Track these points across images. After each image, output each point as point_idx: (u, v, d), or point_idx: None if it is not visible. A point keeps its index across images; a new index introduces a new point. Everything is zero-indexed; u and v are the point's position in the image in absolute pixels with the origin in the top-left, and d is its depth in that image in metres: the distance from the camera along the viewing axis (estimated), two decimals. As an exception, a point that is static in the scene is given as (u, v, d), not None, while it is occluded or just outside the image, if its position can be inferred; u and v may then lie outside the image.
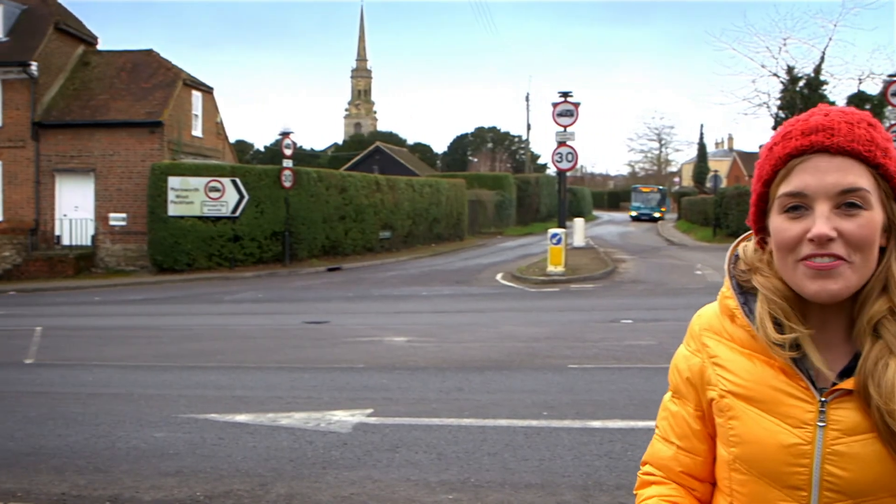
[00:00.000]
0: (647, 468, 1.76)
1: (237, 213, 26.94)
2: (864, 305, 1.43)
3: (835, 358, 1.47)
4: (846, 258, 1.38)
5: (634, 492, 1.77)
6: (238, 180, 27.03)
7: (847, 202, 1.38)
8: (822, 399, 1.44)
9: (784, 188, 1.43)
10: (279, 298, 19.69)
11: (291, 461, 6.48)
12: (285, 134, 28.96)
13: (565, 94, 24.02)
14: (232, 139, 41.86)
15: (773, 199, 1.47)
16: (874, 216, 1.39)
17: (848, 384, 1.42)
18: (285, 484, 5.96)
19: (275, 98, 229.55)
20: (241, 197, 26.91)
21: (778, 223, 1.45)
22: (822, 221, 1.38)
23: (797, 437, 1.45)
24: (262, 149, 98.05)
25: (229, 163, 33.35)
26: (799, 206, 1.41)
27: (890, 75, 23.78)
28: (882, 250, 1.44)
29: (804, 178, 1.40)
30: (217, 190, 26.63)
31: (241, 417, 7.80)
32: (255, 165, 35.05)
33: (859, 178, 1.39)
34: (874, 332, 1.42)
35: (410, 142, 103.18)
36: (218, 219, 26.87)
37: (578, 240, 36.65)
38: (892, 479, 1.40)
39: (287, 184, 27.59)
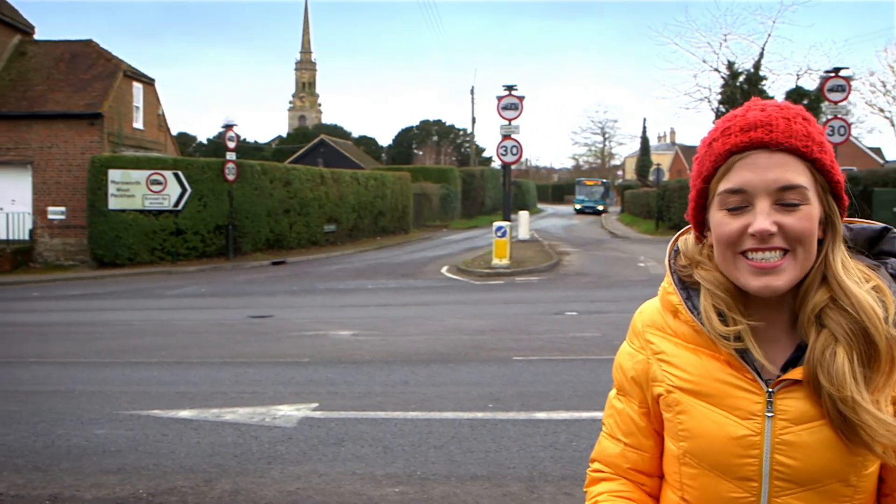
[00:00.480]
0: (595, 465, 1.78)
1: (180, 207, 26.59)
2: (805, 297, 1.46)
3: (779, 349, 1.50)
4: (787, 248, 1.41)
5: (585, 489, 1.79)
6: (180, 173, 26.68)
7: (786, 197, 1.41)
8: (770, 390, 1.47)
9: (725, 185, 1.45)
10: (223, 293, 19.49)
11: (236, 457, 6.43)
12: (228, 126, 28.64)
13: (510, 88, 24.10)
14: (174, 131, 41.27)
15: (714, 194, 1.48)
16: (812, 210, 1.42)
17: (794, 374, 1.45)
18: (230, 480, 5.92)
19: (218, 90, 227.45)
20: (184, 190, 26.58)
21: (718, 218, 1.47)
22: (762, 217, 1.40)
23: (746, 428, 1.48)
24: (204, 141, 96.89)
25: (171, 155, 32.89)
26: (740, 200, 1.43)
27: (826, 71, 24.29)
28: (820, 242, 1.46)
29: (745, 174, 1.42)
30: (159, 183, 26.26)
31: (184, 413, 7.71)
32: (197, 158, 34.67)
33: (798, 174, 1.41)
34: (818, 321, 1.45)
35: (355, 135, 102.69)
36: (160, 212, 26.50)
37: (523, 233, 36.86)
38: (840, 466, 1.44)
39: (230, 177, 27.30)
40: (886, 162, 62.16)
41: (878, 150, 68.05)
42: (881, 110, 51.69)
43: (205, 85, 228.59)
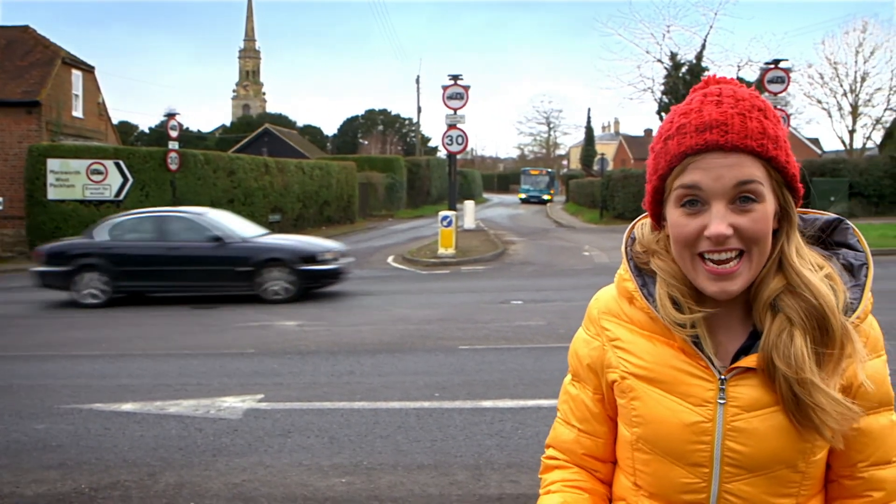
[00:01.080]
0: (550, 451, 1.79)
1: (121, 197, 26.15)
2: (761, 286, 1.48)
3: (733, 337, 1.52)
4: (743, 249, 1.42)
5: (539, 475, 1.80)
6: (122, 163, 26.24)
7: (742, 196, 1.41)
8: (722, 377, 1.49)
9: (679, 182, 1.45)
10: (166, 284, 19.23)
11: (181, 449, 6.37)
12: (171, 115, 28.18)
13: (455, 77, 24.10)
14: (115, 120, 40.62)
15: (670, 191, 1.49)
16: (767, 208, 1.43)
17: (746, 362, 1.48)
18: (174, 473, 5.86)
19: (160, 78, 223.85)
20: (126, 180, 26.15)
21: (675, 217, 1.47)
22: (717, 221, 1.41)
23: (698, 415, 1.50)
24: (146, 130, 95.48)
25: (112, 145, 32.32)
26: (695, 200, 1.44)
27: (766, 63, 24.67)
28: (775, 232, 1.48)
29: (699, 176, 1.42)
30: (100, 173, 25.80)
31: (127, 406, 7.62)
32: (139, 147, 34.10)
33: (753, 171, 1.41)
34: (772, 307, 1.47)
35: (300, 124, 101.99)
36: (101, 202, 26.02)
37: (469, 222, 36.93)
38: (789, 453, 1.47)
39: (173, 166, 26.90)
40: (824, 152, 63.36)
41: (815, 141, 69.35)
42: (819, 101, 52.62)
43: (146, 73, 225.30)
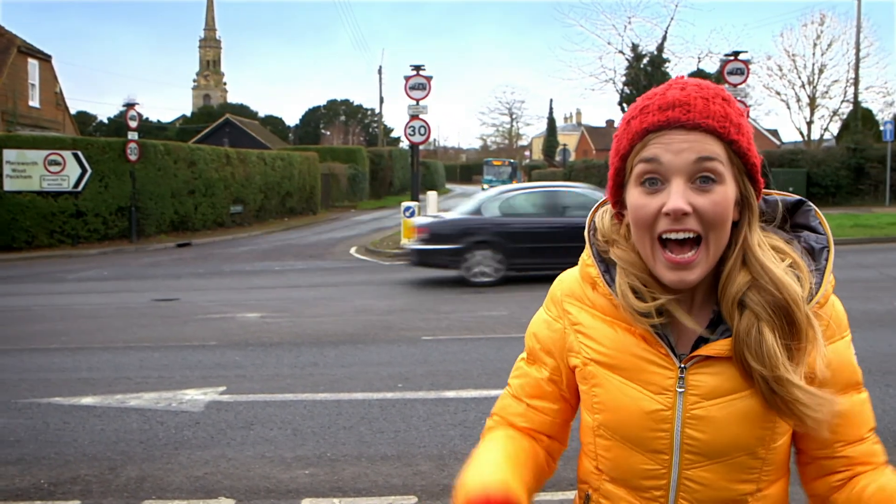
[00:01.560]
0: (495, 417, 1.79)
1: (80, 188, 25.80)
2: (727, 282, 1.48)
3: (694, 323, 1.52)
4: (701, 233, 1.42)
5: (481, 437, 1.78)
6: (80, 153, 25.87)
7: (701, 176, 1.41)
8: (682, 366, 1.50)
9: (640, 157, 1.45)
10: (126, 276, 19.03)
11: (142, 443, 6.33)
12: (130, 105, 27.86)
13: (417, 68, 24.05)
14: (73, 110, 40.09)
15: (630, 170, 1.48)
16: (727, 191, 1.43)
17: (707, 350, 1.48)
18: (136, 467, 5.82)
19: (119, 68, 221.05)
20: (84, 171, 25.79)
21: (634, 198, 1.47)
22: (677, 195, 1.40)
23: (658, 403, 1.51)
24: (105, 121, 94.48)
25: (70, 135, 31.86)
26: (655, 178, 1.43)
27: (726, 55, 24.88)
28: (737, 224, 1.48)
29: (660, 149, 1.42)
30: (57, 163, 25.42)
31: (87, 400, 7.54)
32: (98, 138, 33.63)
33: (714, 149, 1.41)
34: (739, 303, 1.47)
35: (262, 114, 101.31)
36: (59, 194, 25.64)
37: (432, 212, 36.88)
38: (748, 440, 1.48)
39: (133, 157, 26.62)
40: (782, 143, 64.10)
41: (774, 132, 70.15)
42: (777, 93, 53.32)
43: (105, 62, 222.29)
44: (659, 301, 1.49)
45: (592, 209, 1.69)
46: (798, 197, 1.61)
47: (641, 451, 1.54)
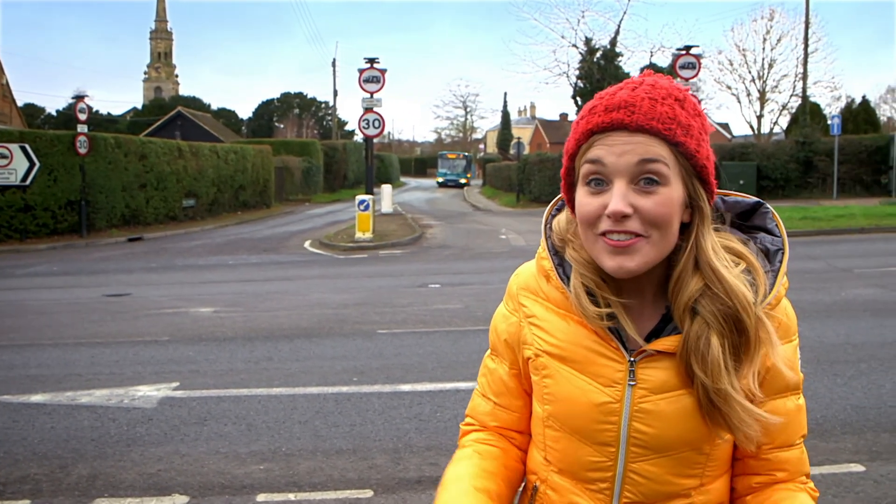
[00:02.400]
0: (468, 420, 1.81)
1: (27, 182, 25.32)
2: (679, 285, 1.48)
3: (645, 318, 1.54)
4: (643, 234, 1.41)
5: (458, 442, 1.81)
6: (28, 146, 25.37)
7: (645, 178, 1.41)
8: (632, 359, 1.51)
9: (584, 158, 1.46)
10: (76, 271, 18.75)
11: (93, 441, 6.24)
12: (79, 97, 27.42)
13: (371, 61, 23.99)
14: (20, 103, 39.32)
15: (578, 170, 1.49)
16: (672, 193, 1.42)
17: (657, 345, 1.49)
18: (87, 465, 5.74)
19: (68, 59, 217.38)
20: (32, 164, 25.31)
21: (580, 197, 1.47)
22: (618, 198, 1.40)
23: (607, 395, 1.52)
24: (54, 113, 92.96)
25: (17, 128, 31.31)
26: (600, 179, 1.43)
27: (678, 49, 25.16)
28: (688, 226, 1.49)
29: (603, 151, 1.42)
30: (4, 157, 24.92)
31: (36, 398, 7.42)
32: (46, 131, 33.03)
33: (658, 151, 1.41)
34: (692, 309, 1.47)
35: (214, 107, 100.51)
36: (6, 188, 25.14)
37: (386, 206, 36.91)
38: (694, 435, 1.50)
39: (82, 150, 26.21)
40: (733, 137, 64.96)
41: (725, 126, 71.11)
42: (728, 87, 54.12)
43: (54, 53, 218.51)
44: (609, 310, 1.50)
45: (551, 204, 1.70)
46: (756, 199, 1.62)
47: (589, 442, 1.56)
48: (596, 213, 1.44)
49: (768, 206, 1.61)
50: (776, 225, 1.59)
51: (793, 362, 1.55)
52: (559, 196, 1.68)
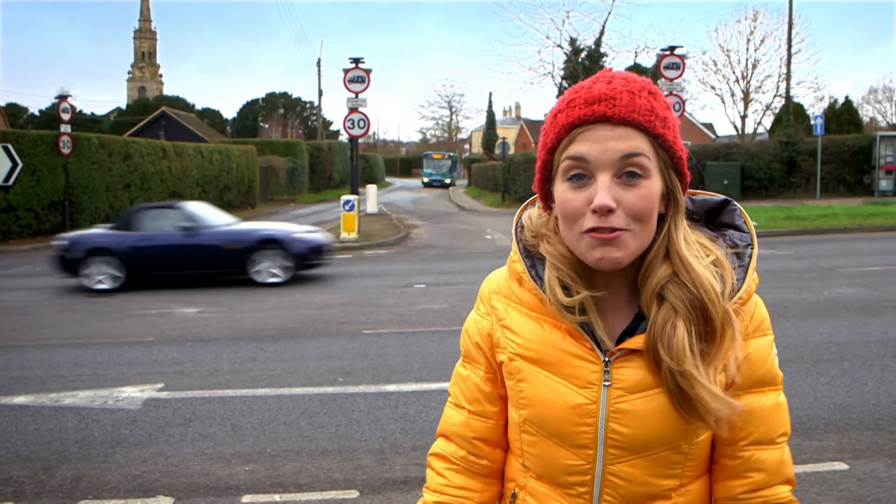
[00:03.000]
0: (439, 444, 1.81)
1: (10, 182, 25.07)
2: (648, 272, 1.48)
3: (618, 319, 1.53)
4: (626, 228, 1.41)
5: (427, 465, 1.82)
6: (10, 146, 25.11)
7: (627, 171, 1.41)
8: (606, 359, 1.50)
9: (567, 154, 1.45)
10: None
11: (77, 442, 6.21)
12: (63, 97, 27.27)
13: (357, 61, 23.96)
14: (2, 102, 39.06)
15: (557, 166, 1.48)
16: (653, 185, 1.43)
17: (630, 343, 1.49)
18: (71, 466, 5.71)
19: (51, 59, 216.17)
20: (15, 164, 25.09)
21: (561, 192, 1.46)
22: (603, 192, 1.40)
23: (583, 397, 1.51)
24: (37, 113, 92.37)
25: (0, 128, 31.09)
26: (582, 174, 1.43)
27: (662, 50, 25.21)
28: (662, 217, 1.49)
29: (586, 145, 1.42)
30: (-14, 157, 24.79)
31: (19, 399, 7.38)
32: (29, 131, 32.80)
33: (640, 144, 1.41)
34: (659, 295, 1.48)
35: (199, 107, 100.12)
36: (-12, 188, 25.03)
37: (371, 206, 36.85)
38: (671, 434, 1.49)
39: (66, 150, 26.06)
40: (717, 137, 65.21)
41: (710, 126, 71.27)
42: (713, 88, 54.18)
43: (37, 53, 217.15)
44: (583, 294, 1.49)
45: (521, 207, 1.70)
46: (723, 196, 1.63)
47: (566, 445, 1.55)
48: (580, 209, 1.43)
49: (736, 203, 1.62)
50: (744, 222, 1.60)
51: (766, 356, 1.55)
52: (529, 200, 1.68)
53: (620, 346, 1.50)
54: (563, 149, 1.46)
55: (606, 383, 1.50)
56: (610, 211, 1.40)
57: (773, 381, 1.57)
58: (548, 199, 1.57)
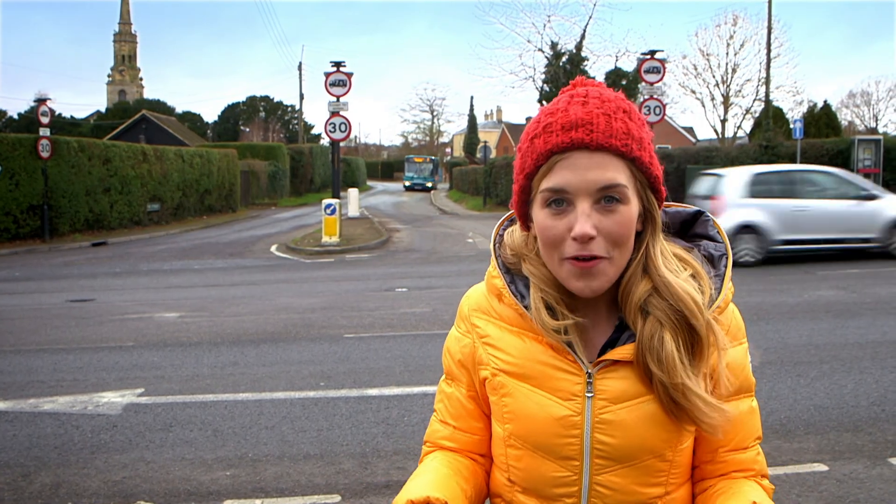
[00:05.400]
0: (427, 444, 1.80)
1: (-12, 186, 25.02)
2: (629, 289, 1.50)
3: (599, 331, 1.55)
4: (605, 256, 1.43)
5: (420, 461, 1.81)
6: (-12, 150, 25.10)
7: (606, 196, 1.42)
8: (589, 371, 1.51)
9: (546, 184, 1.45)
10: (39, 276, 18.52)
11: (56, 448, 6.17)
12: (41, 100, 27.14)
13: (338, 64, 23.96)
14: (-21, 106, 38.68)
15: (536, 191, 1.49)
16: (631, 210, 1.44)
17: (613, 355, 1.50)
18: (50, 473, 5.67)
19: (30, 61, 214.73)
20: (-7, 168, 25.02)
21: (541, 219, 1.47)
22: (583, 220, 1.41)
23: (567, 409, 1.52)
24: (15, 116, 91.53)
25: (-23, 132, 30.84)
26: (561, 200, 1.44)
27: (643, 53, 25.34)
28: (640, 234, 1.51)
29: (565, 175, 1.43)
30: (-36, 161, 24.61)
31: (-2, 404, 7.33)
32: (7, 134, 32.56)
33: (618, 173, 1.42)
34: (642, 310, 1.50)
35: (179, 110, 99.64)
36: (-34, 192, 24.83)
37: (353, 210, 36.83)
38: (656, 442, 1.51)
39: (45, 154, 25.91)
40: (698, 140, 65.50)
41: (690, 130, 71.68)
42: (693, 91, 54.36)
43: (15, 55, 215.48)
44: (567, 321, 1.51)
45: (499, 222, 1.71)
46: (696, 208, 1.66)
47: (552, 458, 1.56)
48: (561, 237, 1.45)
49: (708, 213, 1.65)
50: (717, 232, 1.62)
51: (742, 364, 1.58)
52: (508, 213, 1.69)
53: (603, 358, 1.51)
54: (542, 176, 1.47)
55: (589, 394, 1.52)
56: (590, 238, 1.42)
57: (749, 387, 1.61)
58: (526, 219, 1.58)
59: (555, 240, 1.46)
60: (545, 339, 1.54)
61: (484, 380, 1.65)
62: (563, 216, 1.44)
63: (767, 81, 39.39)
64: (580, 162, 1.42)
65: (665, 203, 1.62)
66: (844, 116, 70.66)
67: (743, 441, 1.59)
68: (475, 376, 1.68)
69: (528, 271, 1.58)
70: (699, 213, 1.64)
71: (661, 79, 24.95)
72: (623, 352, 1.51)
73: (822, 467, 5.36)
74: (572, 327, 1.52)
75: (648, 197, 1.50)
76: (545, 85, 39.66)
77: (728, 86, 50.48)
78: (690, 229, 1.65)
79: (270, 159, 53.53)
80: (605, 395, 1.51)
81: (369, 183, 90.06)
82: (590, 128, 1.42)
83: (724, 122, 50.96)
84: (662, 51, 25.11)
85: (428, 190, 69.93)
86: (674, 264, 1.52)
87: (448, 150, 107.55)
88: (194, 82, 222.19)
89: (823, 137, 37.95)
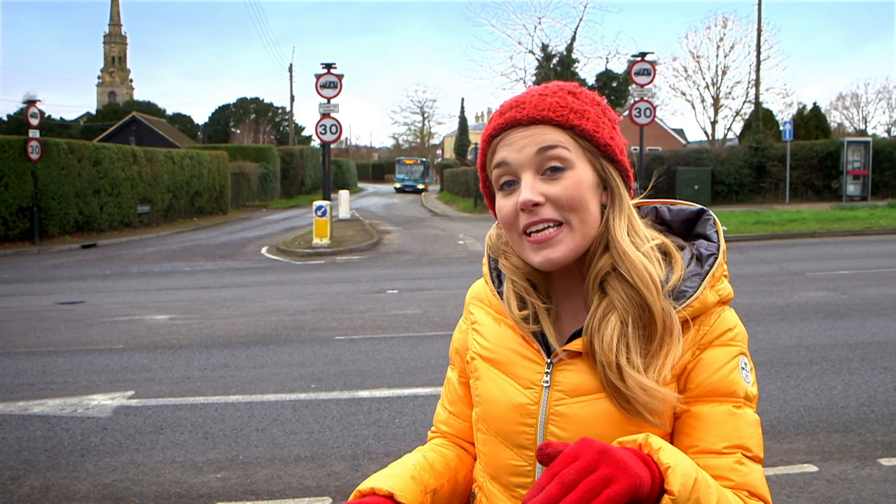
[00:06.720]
0: (432, 428, 1.84)
1: (-23, 188, 24.92)
2: (590, 264, 1.48)
3: (575, 321, 1.54)
4: (560, 220, 1.43)
5: None
6: (-23, 152, 24.99)
7: (549, 167, 1.43)
8: (549, 360, 1.51)
9: (491, 166, 1.51)
10: (28, 278, 18.46)
11: (46, 451, 6.15)
12: (31, 102, 27.04)
13: (329, 66, 23.94)
14: (-31, 108, 38.55)
15: (492, 180, 1.53)
16: (579, 175, 1.44)
17: (573, 346, 1.48)
18: (40, 476, 5.65)
19: (19, 63, 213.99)
20: (-18, 170, 24.91)
21: (498, 202, 1.51)
22: (526, 189, 1.43)
23: (526, 397, 1.52)
24: (4, 118, 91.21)
25: (-34, 133, 30.72)
26: (510, 180, 1.47)
27: (633, 55, 25.37)
28: (605, 208, 1.50)
29: (503, 151, 1.47)
30: (-47, 163, 24.50)
31: (-13, 407, 7.30)
32: (-4, 136, 32.52)
33: (555, 136, 1.44)
34: (601, 289, 1.47)
35: (170, 112, 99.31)
36: (-46, 194, 24.73)
37: (344, 212, 36.80)
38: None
39: (34, 156, 25.82)
40: (688, 142, 65.63)
41: (680, 132, 71.78)
42: (683, 93, 54.59)
43: (3, 56, 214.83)
44: (531, 310, 1.52)
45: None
46: (698, 206, 1.62)
47: (510, 445, 1.55)
48: (513, 212, 1.47)
49: (711, 213, 1.60)
50: (715, 231, 1.56)
51: (721, 366, 1.45)
52: None
53: (564, 348, 1.49)
54: (489, 161, 1.52)
55: (546, 385, 1.51)
56: (536, 205, 1.43)
57: (729, 393, 1.45)
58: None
59: (508, 218, 1.48)
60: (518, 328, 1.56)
61: (467, 364, 1.68)
62: (513, 194, 1.47)
63: (757, 83, 39.54)
64: (515, 136, 1.46)
65: (669, 201, 1.62)
66: (834, 119, 70.92)
67: (713, 443, 1.42)
68: (465, 362, 1.71)
69: (503, 266, 1.60)
70: (701, 212, 1.60)
71: (651, 81, 24.99)
72: (580, 344, 1.48)
73: (812, 468, 5.38)
74: (545, 315, 1.52)
75: (603, 167, 1.48)
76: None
77: (718, 88, 50.64)
78: (693, 228, 1.60)
79: (261, 161, 53.45)
80: (561, 386, 1.49)
81: (360, 185, 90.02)
82: (521, 106, 1.47)
83: (714, 123, 51.12)
84: (653, 53, 25.11)
85: (419, 192, 69.91)
86: (641, 237, 1.48)
87: (439, 151, 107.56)
88: (185, 84, 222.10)
89: (813, 139, 38.09)
